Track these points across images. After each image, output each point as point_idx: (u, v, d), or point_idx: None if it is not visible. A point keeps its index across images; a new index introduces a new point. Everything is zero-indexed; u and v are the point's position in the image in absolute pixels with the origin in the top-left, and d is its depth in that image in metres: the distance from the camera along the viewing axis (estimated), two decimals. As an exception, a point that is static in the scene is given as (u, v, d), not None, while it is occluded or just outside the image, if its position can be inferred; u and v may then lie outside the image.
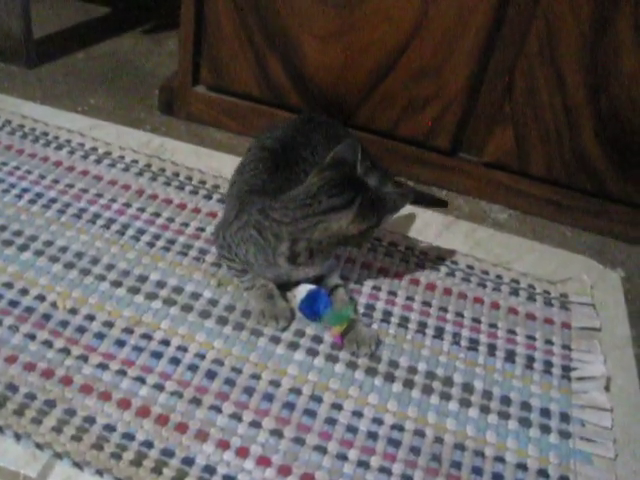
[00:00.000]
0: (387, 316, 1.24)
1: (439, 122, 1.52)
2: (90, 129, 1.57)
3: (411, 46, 1.45)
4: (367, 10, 1.44)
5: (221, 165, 1.51)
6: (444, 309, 1.27)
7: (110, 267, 1.25)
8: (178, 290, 1.22)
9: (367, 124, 1.57)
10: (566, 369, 1.21)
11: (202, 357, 1.12)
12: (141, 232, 1.32)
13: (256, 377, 1.11)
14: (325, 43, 1.51)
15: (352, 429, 1.06)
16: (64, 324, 1.14)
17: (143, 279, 1.23)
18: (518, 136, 1.49)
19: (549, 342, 1.25)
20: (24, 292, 1.18)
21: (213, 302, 1.21)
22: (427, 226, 1.45)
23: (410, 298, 1.28)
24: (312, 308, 1.17)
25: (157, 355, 1.11)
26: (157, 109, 1.69)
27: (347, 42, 1.49)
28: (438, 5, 1.39)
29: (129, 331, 1.14)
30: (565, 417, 1.13)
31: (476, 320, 1.26)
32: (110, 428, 1.01)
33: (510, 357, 1.21)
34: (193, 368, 1.10)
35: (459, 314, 1.27)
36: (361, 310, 1.24)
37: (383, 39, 1.46)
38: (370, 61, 1.49)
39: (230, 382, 1.09)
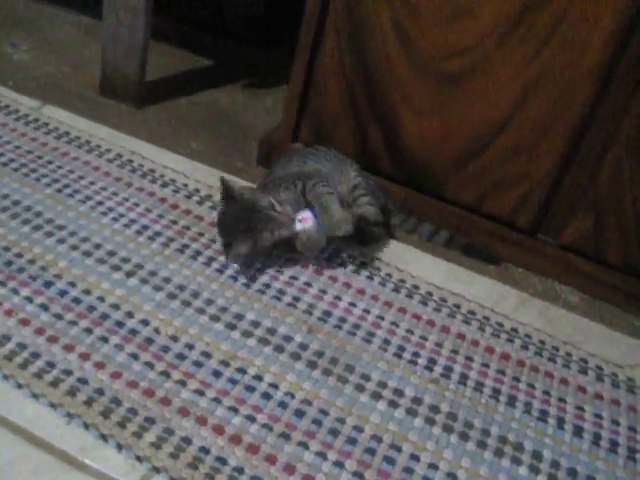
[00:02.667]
0: (464, 379, 1.30)
1: (523, 202, 1.60)
2: (193, 171, 1.67)
3: (506, 127, 1.53)
4: (467, 90, 1.53)
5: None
6: (517, 379, 1.34)
7: (209, 302, 1.33)
8: (271, 331, 1.30)
9: (454, 197, 1.65)
10: (632, 450, 1.26)
11: (292, 396, 1.19)
12: (239, 273, 1.40)
13: (341, 421, 1.17)
14: (424, 117, 1.60)
15: (428, 480, 1.11)
16: (165, 349, 1.22)
17: (240, 317, 1.31)
18: (598, 223, 1.55)
19: (615, 422, 1.30)
20: (129, 315, 1.27)
21: (303, 346, 1.29)
22: (504, 299, 1.52)
23: (485, 365, 1.35)
24: None
25: (250, 389, 1.19)
26: (255, 160, 1.78)
27: (445, 118, 1.58)
28: (537, 90, 1.47)
29: (225, 364, 1.22)
30: (629, 496, 1.18)
31: (546, 393, 1.32)
32: (205, 450, 1.08)
33: (578, 432, 1.26)
34: (283, 405, 1.17)
35: (531, 385, 1.33)
36: (439, 370, 1.31)
37: (479, 118, 1.55)
38: (465, 138, 1.57)
39: (317, 422, 1.16)
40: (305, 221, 1.38)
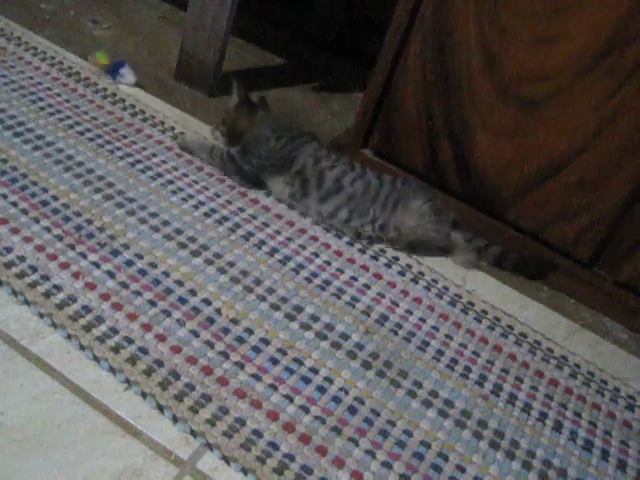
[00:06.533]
0: (512, 398, 1.31)
1: (584, 234, 1.60)
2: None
3: (577, 158, 1.54)
4: (544, 116, 1.54)
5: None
6: (564, 406, 1.34)
7: (271, 291, 1.34)
8: (329, 327, 1.31)
9: (516, 221, 1.66)
10: (674, 490, 1.26)
11: (346, 392, 1.20)
12: (301, 267, 1.42)
13: (391, 423, 1.18)
14: (498, 137, 1.61)
15: (473, 492, 1.11)
16: (225, 330, 1.23)
17: (299, 309, 1.32)
18: (657, 265, 1.54)
19: (660, 461, 1.30)
20: (192, 293, 1.29)
21: (359, 346, 1.30)
22: (555, 326, 1.52)
23: (534, 387, 1.35)
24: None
25: (306, 380, 1.20)
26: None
27: (518, 142, 1.59)
28: (614, 126, 1.48)
29: (283, 352, 1.23)
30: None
31: (592, 424, 1.32)
32: (258, 433, 1.09)
33: (622, 466, 1.27)
34: (337, 400, 1.19)
35: (577, 414, 1.33)
36: (489, 387, 1.31)
37: (552, 146, 1.56)
38: (535, 164, 1.59)
39: (368, 421, 1.17)
40: None
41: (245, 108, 1.64)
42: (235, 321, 1.26)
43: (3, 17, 1.95)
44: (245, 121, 1.63)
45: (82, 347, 1.14)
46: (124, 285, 1.26)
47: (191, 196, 1.51)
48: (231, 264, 1.37)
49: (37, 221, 1.33)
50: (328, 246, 1.50)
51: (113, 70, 1.84)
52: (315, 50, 2.33)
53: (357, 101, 1.86)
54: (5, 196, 1.36)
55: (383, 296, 1.42)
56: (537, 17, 1.49)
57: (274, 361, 1.21)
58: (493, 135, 1.61)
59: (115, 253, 1.32)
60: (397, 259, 1.53)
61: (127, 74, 1.83)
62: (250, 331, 1.25)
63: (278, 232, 1.49)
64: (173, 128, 1.72)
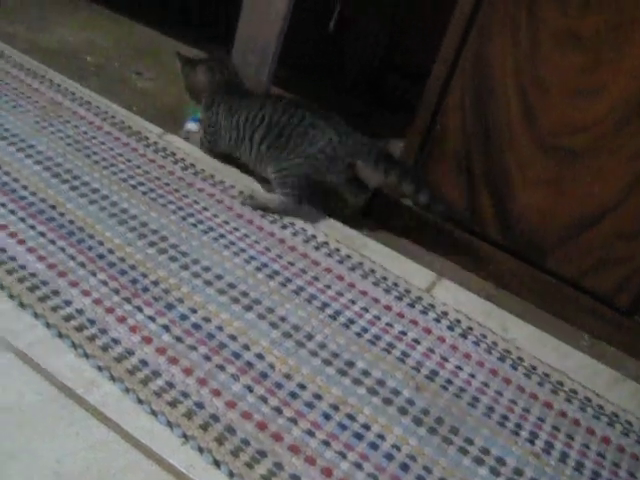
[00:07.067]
0: (564, 457, 1.32)
1: (625, 283, 1.60)
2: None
3: (617, 208, 1.55)
4: (583, 166, 1.55)
5: (411, 274, 1.66)
6: (617, 465, 1.33)
7: (322, 345, 1.36)
8: (381, 383, 1.32)
9: (555, 268, 1.67)
10: None
11: (398, 449, 1.21)
12: (351, 321, 1.44)
13: (444, 481, 1.18)
14: (537, 187, 1.63)
15: None
16: (279, 385, 1.25)
17: (350, 364, 1.34)
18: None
19: None
20: (246, 347, 1.31)
21: (410, 402, 1.31)
22: (597, 376, 1.52)
23: (586, 445, 1.35)
24: None
25: (359, 436, 1.21)
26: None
27: (558, 190, 1.60)
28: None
29: (335, 408, 1.25)
30: None
31: (632, 474, 1.32)
32: (313, 490, 1.10)
33: (676, 528, 1.25)
34: (389, 457, 1.19)
35: (631, 474, 1.32)
36: (540, 445, 1.32)
37: (592, 196, 1.57)
38: (575, 213, 1.60)
39: (420, 479, 1.17)
40: None
41: (188, 67, 1.86)
42: (288, 376, 1.27)
43: (58, 73, 2.00)
44: (192, 78, 1.87)
45: (140, 401, 1.16)
46: (179, 339, 1.28)
47: (242, 250, 1.54)
48: (283, 319, 1.39)
49: (94, 274, 1.36)
50: (377, 300, 1.52)
51: (190, 120, 1.94)
52: (349, 97, 2.36)
53: (392, 148, 1.88)
54: (63, 249, 1.40)
55: (433, 351, 1.43)
56: (576, 70, 1.51)
57: (327, 417, 1.23)
58: (533, 184, 1.63)
59: (170, 307, 1.34)
60: (446, 314, 1.54)
61: (193, 127, 1.92)
62: (303, 386, 1.26)
63: (328, 286, 1.51)
64: (223, 182, 1.74)
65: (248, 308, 1.39)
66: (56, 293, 1.31)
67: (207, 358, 1.26)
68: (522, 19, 1.53)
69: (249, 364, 1.27)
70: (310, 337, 1.37)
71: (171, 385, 1.19)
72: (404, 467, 1.18)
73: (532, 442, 1.31)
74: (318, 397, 1.25)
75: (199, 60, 1.84)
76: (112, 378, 1.18)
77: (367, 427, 1.23)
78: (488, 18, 1.56)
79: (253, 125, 1.70)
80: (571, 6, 1.46)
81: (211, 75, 1.83)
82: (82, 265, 1.38)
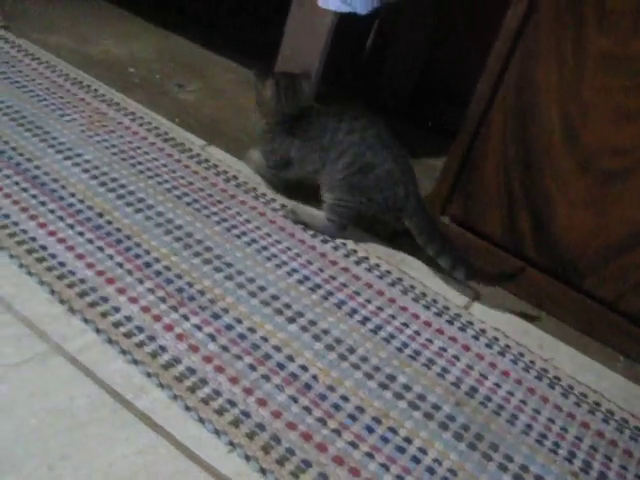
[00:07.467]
0: (603, 477, 1.33)
1: (663, 306, 1.60)
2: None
3: (658, 231, 1.55)
4: (624, 188, 1.57)
5: (449, 291, 1.69)
6: (625, 468, 1.35)
7: (364, 359, 1.38)
8: (421, 397, 1.34)
9: (592, 289, 1.68)
10: None
11: (439, 463, 1.23)
12: (392, 336, 1.46)
13: (485, 496, 1.20)
14: (577, 209, 1.64)
15: None
16: (322, 397, 1.27)
17: (392, 378, 1.36)
18: None
19: None
20: (290, 359, 1.33)
21: (451, 417, 1.32)
22: (633, 397, 1.54)
23: (624, 467, 1.36)
24: None
25: (401, 450, 1.23)
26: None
27: (598, 212, 1.61)
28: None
29: (378, 421, 1.27)
30: None
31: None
32: (357, 501, 1.11)
33: None
34: (431, 471, 1.21)
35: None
36: (578, 464, 1.33)
37: (632, 218, 1.58)
38: (615, 235, 1.61)
39: (462, 493, 1.19)
40: None
41: (260, 81, 1.77)
42: (331, 388, 1.30)
43: (103, 84, 2.04)
44: (261, 92, 1.78)
45: (188, 408, 1.18)
46: (225, 349, 1.30)
47: (285, 263, 1.56)
48: (325, 332, 1.41)
49: (141, 282, 1.39)
50: (417, 317, 1.54)
51: None
52: (387, 117, 2.38)
53: (430, 169, 1.91)
54: (112, 257, 1.43)
55: (472, 368, 1.45)
56: (619, 93, 1.52)
57: (370, 429, 1.25)
58: (573, 206, 1.64)
59: (215, 316, 1.37)
60: (484, 331, 1.56)
61: None
62: (346, 399, 1.28)
63: (368, 301, 1.53)
64: (264, 194, 1.77)
65: (291, 320, 1.41)
66: (105, 300, 1.33)
67: (252, 368, 1.28)
68: (567, 40, 1.54)
69: (293, 375, 1.30)
70: (352, 350, 1.39)
71: (218, 393, 1.22)
72: (445, 481, 1.20)
73: (570, 461, 1.33)
74: (361, 410, 1.27)
75: (271, 74, 1.77)
76: (160, 385, 1.20)
77: (409, 441, 1.25)
78: (533, 39, 1.58)
79: (339, 149, 1.69)
80: (618, 29, 1.47)
81: (277, 89, 1.74)
82: (129, 273, 1.40)
